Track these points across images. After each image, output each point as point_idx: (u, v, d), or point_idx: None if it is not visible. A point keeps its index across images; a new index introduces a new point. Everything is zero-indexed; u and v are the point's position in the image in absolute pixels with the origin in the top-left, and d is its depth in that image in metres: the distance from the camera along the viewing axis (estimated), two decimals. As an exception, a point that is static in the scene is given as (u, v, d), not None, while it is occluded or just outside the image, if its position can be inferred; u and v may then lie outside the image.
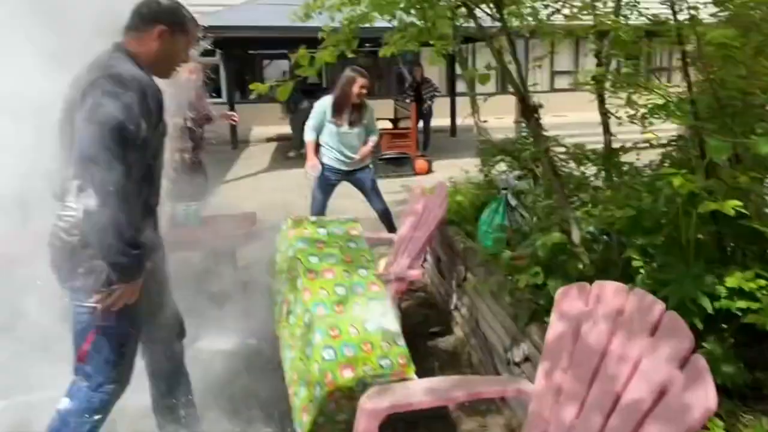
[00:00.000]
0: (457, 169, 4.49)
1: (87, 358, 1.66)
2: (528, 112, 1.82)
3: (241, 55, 11.61)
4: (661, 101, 1.49)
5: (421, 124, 9.02)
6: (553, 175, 1.81)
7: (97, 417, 1.67)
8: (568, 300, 1.52)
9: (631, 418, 1.27)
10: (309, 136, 3.96)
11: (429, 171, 7.93)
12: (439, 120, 10.15)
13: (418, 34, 1.92)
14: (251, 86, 1.87)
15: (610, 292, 1.45)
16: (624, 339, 1.37)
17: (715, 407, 1.13)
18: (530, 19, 2.19)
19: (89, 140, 1.48)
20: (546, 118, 2.10)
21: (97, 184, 1.47)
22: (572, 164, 2.36)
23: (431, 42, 2.50)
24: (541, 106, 2.35)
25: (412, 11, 2.11)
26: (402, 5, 1.78)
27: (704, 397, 1.15)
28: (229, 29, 7.79)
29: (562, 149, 2.19)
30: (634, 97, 1.62)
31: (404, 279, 2.71)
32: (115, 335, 1.67)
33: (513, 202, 2.60)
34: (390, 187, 7.05)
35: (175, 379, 1.97)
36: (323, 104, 3.94)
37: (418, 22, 2.01)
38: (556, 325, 1.53)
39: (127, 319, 1.67)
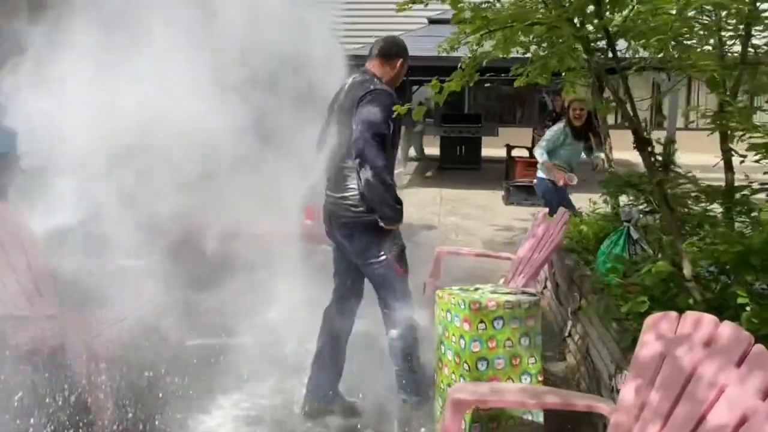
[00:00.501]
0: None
1: (390, 297, 2.32)
2: (641, 144, 1.90)
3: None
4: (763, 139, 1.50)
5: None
6: (666, 207, 1.85)
7: (415, 328, 2.36)
8: (660, 325, 1.61)
9: (712, 440, 1.34)
10: (544, 156, 4.74)
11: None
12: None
13: (542, 69, 2.11)
14: (394, 108, 2.24)
15: (701, 321, 1.51)
16: (712, 366, 1.43)
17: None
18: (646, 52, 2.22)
19: (363, 125, 2.18)
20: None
21: (366, 154, 2.17)
22: (703, 203, 2.33)
23: (563, 73, 2.67)
24: (673, 142, 2.37)
25: (543, 45, 2.31)
26: (525, 40, 1.97)
27: (784, 428, 1.20)
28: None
29: (684, 186, 2.18)
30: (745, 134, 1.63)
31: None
32: (401, 274, 2.38)
33: (635, 235, 2.61)
34: (519, 214, 7.14)
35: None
36: (559, 128, 4.73)
37: (542, 53, 2.18)
38: (648, 347, 1.62)
39: (403, 261, 2.40)
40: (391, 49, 2.44)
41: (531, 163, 8.64)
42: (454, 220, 6.59)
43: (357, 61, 9.02)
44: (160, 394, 2.69)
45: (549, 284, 3.88)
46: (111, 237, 3.42)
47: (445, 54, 3.51)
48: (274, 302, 3.33)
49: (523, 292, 2.21)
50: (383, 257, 2.34)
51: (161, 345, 3.05)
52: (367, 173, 2.16)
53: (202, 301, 3.81)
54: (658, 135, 2.35)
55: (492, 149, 10.98)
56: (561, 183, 4.59)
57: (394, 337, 2.39)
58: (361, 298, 2.64)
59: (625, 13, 2.08)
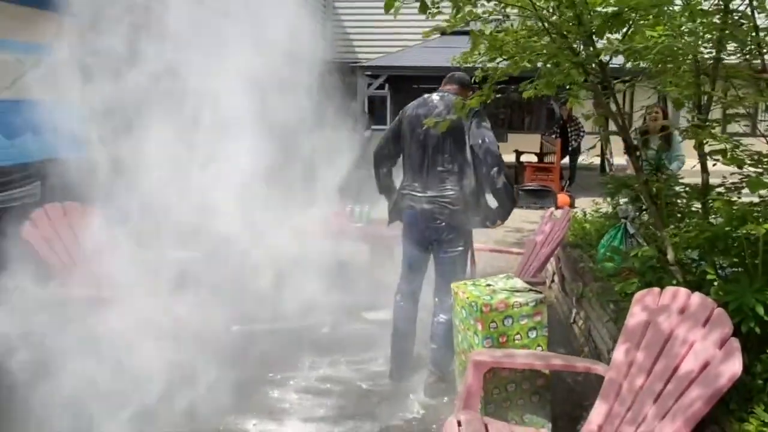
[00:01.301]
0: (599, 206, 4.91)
1: (450, 284, 2.68)
2: (629, 150, 2.27)
3: (407, 90, 12.93)
4: (721, 146, 1.87)
5: (568, 160, 9.26)
6: (651, 203, 2.22)
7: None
8: (645, 299, 1.99)
9: (682, 384, 1.71)
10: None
11: (572, 206, 8.17)
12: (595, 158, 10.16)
13: (547, 85, 2.48)
14: (425, 122, 2.62)
15: (678, 294, 1.89)
16: (685, 328, 1.81)
17: (740, 373, 1.56)
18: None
19: (489, 141, 2.73)
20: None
21: (501, 164, 2.71)
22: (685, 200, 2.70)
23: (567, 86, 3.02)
24: (664, 149, 2.75)
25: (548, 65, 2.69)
26: (533, 58, 2.32)
27: (733, 367, 1.58)
28: (398, 68, 9.01)
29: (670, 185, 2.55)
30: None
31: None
32: (468, 264, 2.95)
33: (631, 230, 2.98)
34: (529, 217, 7.49)
35: None
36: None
37: (548, 66, 2.54)
38: (635, 317, 2.00)
39: (471, 254, 3.00)
40: (467, 81, 2.99)
41: (539, 168, 9.04)
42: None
43: (375, 71, 9.40)
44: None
45: (556, 278, 4.25)
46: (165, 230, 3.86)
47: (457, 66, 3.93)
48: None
49: (530, 290, 2.47)
50: (462, 248, 2.83)
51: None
52: (503, 179, 2.69)
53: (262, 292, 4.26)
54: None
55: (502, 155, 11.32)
56: None
57: (442, 321, 2.84)
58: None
59: (617, 35, 2.45)
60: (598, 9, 1.81)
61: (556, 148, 8.82)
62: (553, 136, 9.41)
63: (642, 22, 1.98)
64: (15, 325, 3.13)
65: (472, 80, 3.17)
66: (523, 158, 9.76)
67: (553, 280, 4.37)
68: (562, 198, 8.22)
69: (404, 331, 3.00)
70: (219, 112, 4.52)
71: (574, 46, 2.31)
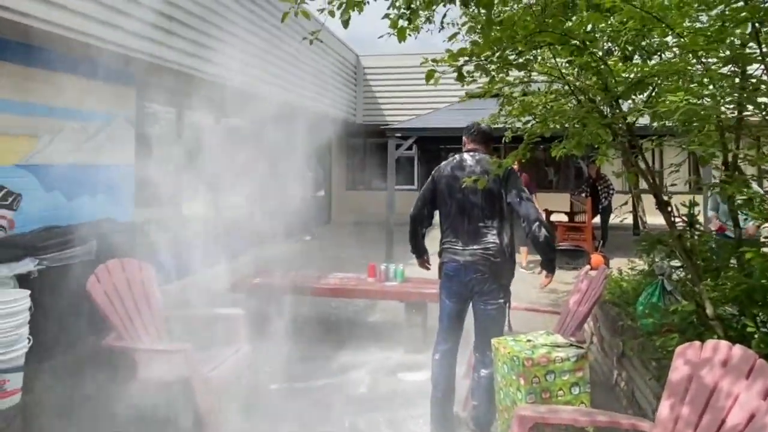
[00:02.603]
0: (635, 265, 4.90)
1: (491, 338, 2.73)
2: (661, 206, 2.36)
3: (434, 150, 13.34)
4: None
5: (599, 220, 9.23)
6: (686, 258, 2.28)
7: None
8: (687, 353, 2.01)
9: (730, 438, 1.72)
10: (710, 213, 5.41)
11: (606, 267, 8.05)
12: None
13: (576, 145, 2.62)
14: (464, 180, 2.79)
15: (719, 347, 1.92)
16: (728, 380, 1.82)
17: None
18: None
19: (527, 196, 2.88)
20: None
21: (541, 218, 2.85)
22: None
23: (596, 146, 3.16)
24: (695, 204, 2.82)
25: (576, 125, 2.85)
26: (563, 120, 2.48)
27: (780, 419, 1.59)
28: (428, 130, 9.37)
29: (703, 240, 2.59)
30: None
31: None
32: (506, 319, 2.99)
33: (669, 286, 3.00)
34: (562, 278, 7.43)
35: None
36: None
37: (576, 126, 2.68)
38: (677, 371, 2.02)
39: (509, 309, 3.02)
40: (489, 135, 3.16)
41: (571, 228, 9.03)
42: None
43: (404, 133, 9.77)
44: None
45: (595, 338, 4.21)
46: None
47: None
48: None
49: (571, 345, 2.48)
50: (502, 300, 2.92)
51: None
52: (545, 232, 2.82)
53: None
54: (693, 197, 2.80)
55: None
56: (714, 228, 4.95)
57: (483, 375, 2.88)
58: None
59: (643, 96, 2.60)
60: (623, 75, 1.97)
61: (586, 207, 8.83)
62: (583, 194, 9.45)
63: (664, 84, 2.13)
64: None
65: (503, 140, 3.37)
66: (553, 217, 9.78)
67: (591, 341, 4.32)
68: (596, 258, 8.13)
69: (444, 390, 3.01)
70: (260, 177, 4.83)
71: (602, 108, 2.48)
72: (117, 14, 4.80)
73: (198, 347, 3.49)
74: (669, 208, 2.36)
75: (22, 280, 4.06)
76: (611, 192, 9.39)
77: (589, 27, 2.18)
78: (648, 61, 2.50)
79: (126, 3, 4.93)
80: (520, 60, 2.00)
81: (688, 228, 2.74)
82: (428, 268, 3.33)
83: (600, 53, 1.91)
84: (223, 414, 3.17)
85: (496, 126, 3.68)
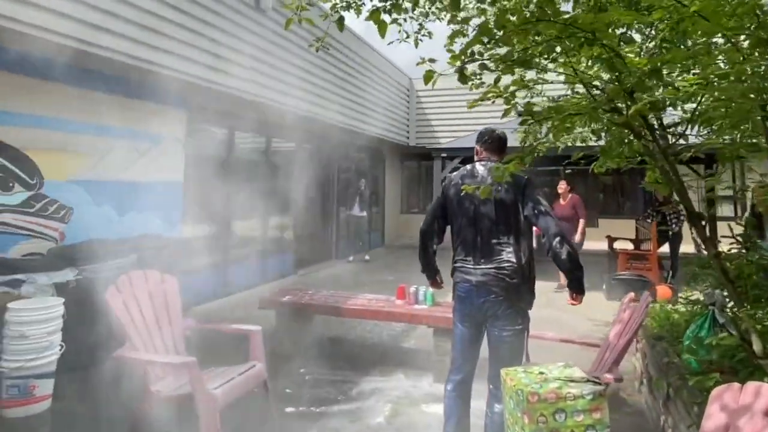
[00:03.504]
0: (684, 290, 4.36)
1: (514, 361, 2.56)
2: (693, 220, 2.01)
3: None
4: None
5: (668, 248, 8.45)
6: (726, 279, 1.91)
7: None
8: (723, 397, 1.66)
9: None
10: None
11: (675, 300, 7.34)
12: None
13: (606, 153, 2.33)
14: (463, 188, 2.54)
15: (762, 391, 1.56)
16: (770, 434, 1.47)
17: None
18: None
19: (546, 209, 2.60)
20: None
21: (562, 232, 2.55)
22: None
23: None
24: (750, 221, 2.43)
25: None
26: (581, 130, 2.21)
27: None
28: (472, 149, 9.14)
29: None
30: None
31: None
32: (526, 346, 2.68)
33: (720, 318, 2.56)
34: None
35: None
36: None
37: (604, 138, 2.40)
38: (712, 418, 1.67)
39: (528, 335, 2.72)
40: (504, 143, 2.93)
41: (635, 256, 8.32)
42: (549, 313, 6.48)
43: (450, 153, 9.64)
44: None
45: (645, 378, 3.74)
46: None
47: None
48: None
49: (588, 380, 2.15)
50: (520, 326, 2.63)
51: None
52: (567, 248, 2.53)
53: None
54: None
55: (591, 241, 10.69)
56: None
57: (497, 411, 2.59)
58: None
59: (693, 104, 2.29)
60: (638, 67, 1.72)
61: (651, 233, 8.13)
62: (649, 220, 8.72)
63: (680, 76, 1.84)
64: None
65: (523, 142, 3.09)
66: (616, 245, 9.09)
67: (641, 381, 3.85)
68: (662, 290, 7.40)
69: (456, 426, 2.75)
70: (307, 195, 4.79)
71: (619, 105, 2.19)
72: (168, 40, 5.05)
73: (211, 363, 3.45)
74: (702, 222, 2.01)
75: (60, 289, 4.25)
76: (682, 217, 8.59)
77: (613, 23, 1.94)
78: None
79: (180, 30, 5.18)
80: (524, 57, 1.79)
81: (743, 249, 2.35)
82: (441, 287, 3.09)
83: (613, 44, 1.66)
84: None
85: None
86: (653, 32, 2.36)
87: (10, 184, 4.27)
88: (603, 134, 2.93)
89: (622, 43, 2.28)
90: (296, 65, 7.38)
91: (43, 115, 4.47)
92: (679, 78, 1.79)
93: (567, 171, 12.70)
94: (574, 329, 5.62)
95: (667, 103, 2.24)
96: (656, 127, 2.81)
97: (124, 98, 5.26)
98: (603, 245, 9.67)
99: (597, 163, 2.82)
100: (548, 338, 3.56)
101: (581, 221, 8.17)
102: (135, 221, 5.46)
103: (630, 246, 8.99)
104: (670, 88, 1.64)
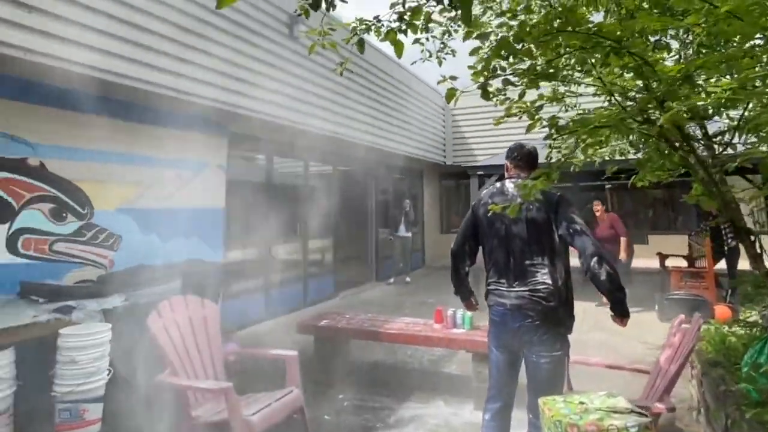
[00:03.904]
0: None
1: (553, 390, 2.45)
2: (739, 234, 1.85)
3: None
4: None
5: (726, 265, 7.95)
6: None
7: None
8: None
9: None
10: None
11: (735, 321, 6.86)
12: None
13: (642, 164, 2.21)
14: (490, 207, 2.46)
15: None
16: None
17: None
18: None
19: (581, 228, 2.46)
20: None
21: (600, 252, 2.39)
22: None
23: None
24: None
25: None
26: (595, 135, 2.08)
27: None
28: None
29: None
30: None
31: (649, 410, 2.68)
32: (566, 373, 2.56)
33: (783, 344, 2.37)
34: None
35: None
36: None
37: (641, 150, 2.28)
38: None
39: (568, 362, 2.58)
40: (535, 159, 2.81)
41: (689, 273, 7.87)
42: (598, 336, 6.20)
43: (487, 171, 9.50)
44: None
45: (702, 408, 3.48)
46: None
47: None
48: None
49: (633, 411, 2.00)
50: (559, 352, 2.50)
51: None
52: (606, 268, 2.36)
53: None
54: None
55: (641, 259, 10.22)
56: None
57: None
58: None
59: (741, 112, 2.15)
60: (670, 74, 1.62)
61: (707, 249, 7.67)
62: (703, 235, 8.24)
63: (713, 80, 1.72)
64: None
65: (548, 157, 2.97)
66: (668, 262, 8.65)
67: (699, 411, 3.58)
68: (721, 311, 6.94)
69: None
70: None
71: (652, 116, 2.08)
72: (210, 72, 5.26)
73: (251, 388, 3.47)
74: (750, 235, 1.86)
75: (107, 314, 4.41)
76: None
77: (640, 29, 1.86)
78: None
79: (221, 63, 5.40)
80: (547, 70, 1.74)
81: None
82: (476, 309, 2.99)
83: (641, 51, 1.59)
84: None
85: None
86: (690, 38, 2.25)
87: (64, 215, 4.51)
88: (641, 146, 2.81)
89: (656, 50, 2.18)
90: (331, 90, 7.53)
91: (93, 148, 4.73)
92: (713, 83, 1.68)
93: (607, 186, 12.29)
94: (624, 354, 5.33)
95: (710, 111, 2.11)
96: (701, 137, 2.67)
97: (169, 129, 5.50)
98: (654, 263, 9.24)
99: (636, 176, 2.69)
100: (594, 364, 3.38)
101: (622, 239, 7.88)
102: (179, 247, 5.64)
103: (683, 263, 8.53)
104: (701, 94, 1.54)
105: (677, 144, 1.97)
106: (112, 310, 4.43)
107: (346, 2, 2.19)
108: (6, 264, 4.11)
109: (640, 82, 1.90)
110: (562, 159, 1.93)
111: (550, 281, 2.48)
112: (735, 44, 1.99)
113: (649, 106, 1.74)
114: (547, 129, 1.98)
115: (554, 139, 1.99)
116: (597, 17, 3.18)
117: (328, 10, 2.06)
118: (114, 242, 4.96)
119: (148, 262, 5.16)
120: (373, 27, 2.11)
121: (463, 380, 4.58)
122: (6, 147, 4.08)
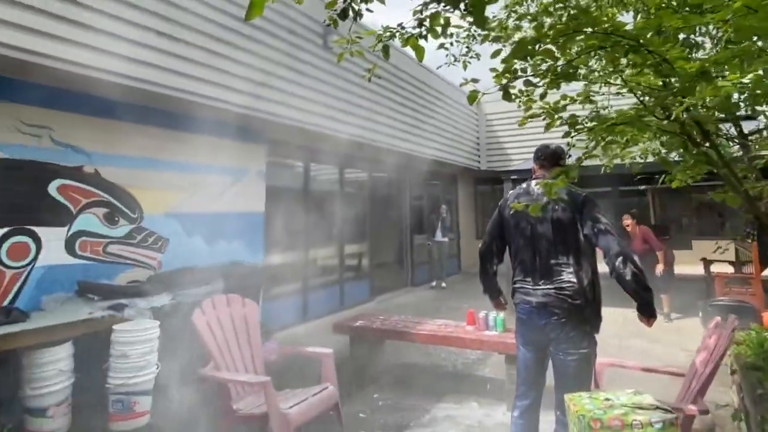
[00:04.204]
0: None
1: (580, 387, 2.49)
2: (764, 230, 1.84)
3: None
4: None
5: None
6: None
7: None
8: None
9: None
10: None
11: (783, 328, 6.56)
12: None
13: (665, 163, 2.20)
14: (511, 205, 2.49)
15: None
16: None
17: None
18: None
19: (607, 227, 2.47)
20: None
21: (626, 252, 2.41)
22: None
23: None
24: None
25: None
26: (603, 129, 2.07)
27: None
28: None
29: None
30: None
31: (682, 412, 2.66)
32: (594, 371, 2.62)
33: (822, 346, 2.31)
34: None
35: None
36: None
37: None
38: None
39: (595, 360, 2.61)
40: (561, 158, 2.83)
41: (735, 279, 7.58)
42: (638, 344, 6.06)
43: (520, 176, 9.42)
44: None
45: (742, 413, 3.39)
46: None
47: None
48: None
49: (658, 408, 1.99)
50: (586, 350, 2.52)
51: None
52: (631, 268, 2.37)
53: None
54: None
55: (685, 265, 9.88)
56: None
57: None
58: None
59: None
60: (687, 69, 1.64)
61: (753, 254, 7.38)
62: (749, 239, 7.94)
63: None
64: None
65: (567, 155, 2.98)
66: (713, 268, 8.35)
67: (740, 418, 3.49)
68: (770, 318, 6.67)
69: None
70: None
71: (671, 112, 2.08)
72: (245, 82, 5.51)
73: (290, 385, 3.62)
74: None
75: (155, 312, 4.67)
76: (789, 236, 7.73)
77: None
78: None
79: (260, 73, 5.64)
80: (567, 69, 1.79)
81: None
82: (504, 308, 3.04)
83: (659, 50, 1.62)
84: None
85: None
86: (720, 35, 2.25)
87: (116, 219, 4.81)
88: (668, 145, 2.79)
89: (683, 49, 2.20)
90: (366, 98, 7.70)
91: (144, 156, 5.03)
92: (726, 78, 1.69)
93: (649, 190, 11.93)
94: (666, 361, 5.21)
95: (742, 108, 2.11)
96: (736, 135, 2.65)
97: (214, 138, 5.78)
98: (698, 269, 8.94)
99: (667, 176, 2.68)
100: (629, 366, 3.36)
101: (659, 253, 7.63)
102: (221, 250, 5.89)
103: (729, 269, 8.22)
104: (709, 89, 1.56)
105: (697, 141, 1.98)
106: (160, 308, 4.69)
107: (384, 3, 2.26)
108: (65, 265, 4.43)
109: (660, 81, 1.93)
110: (582, 157, 1.97)
111: (575, 279, 2.52)
112: (756, 39, 1.99)
113: (668, 102, 1.77)
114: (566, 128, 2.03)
115: (572, 137, 2.03)
116: (626, 18, 3.20)
117: (355, 19, 2.19)
118: (162, 245, 5.25)
119: (192, 264, 5.42)
120: (397, 34, 2.22)
121: (497, 383, 4.60)
122: (65, 156, 4.41)
